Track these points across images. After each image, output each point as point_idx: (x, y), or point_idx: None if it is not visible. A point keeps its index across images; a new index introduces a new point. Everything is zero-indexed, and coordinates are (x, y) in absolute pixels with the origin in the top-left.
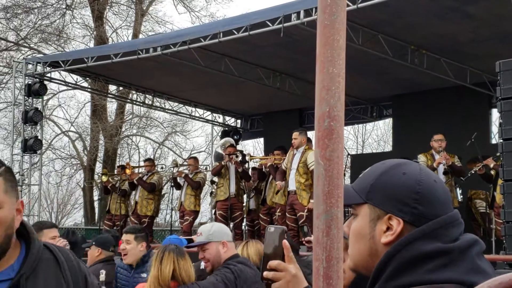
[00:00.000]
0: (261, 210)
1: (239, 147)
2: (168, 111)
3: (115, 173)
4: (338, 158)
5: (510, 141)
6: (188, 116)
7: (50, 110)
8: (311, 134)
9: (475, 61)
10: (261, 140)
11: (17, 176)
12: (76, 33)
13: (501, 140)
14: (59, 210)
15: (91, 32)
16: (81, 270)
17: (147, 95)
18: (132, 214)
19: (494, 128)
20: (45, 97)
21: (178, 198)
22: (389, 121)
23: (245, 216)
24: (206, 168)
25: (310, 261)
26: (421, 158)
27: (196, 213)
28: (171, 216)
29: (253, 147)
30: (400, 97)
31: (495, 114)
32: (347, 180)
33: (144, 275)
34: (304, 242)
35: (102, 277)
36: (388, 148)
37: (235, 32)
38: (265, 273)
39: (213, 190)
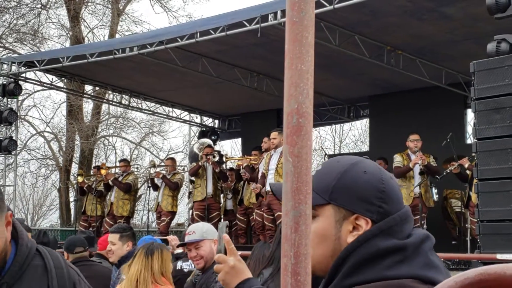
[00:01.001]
0: (238, 211)
1: (216, 148)
2: (145, 111)
3: (91, 173)
4: (307, 155)
5: (484, 140)
6: (165, 116)
7: (25, 110)
8: None
9: (451, 61)
10: (239, 140)
11: None
12: (51, 33)
13: (476, 140)
14: (35, 211)
15: (67, 32)
16: (70, 278)
17: (123, 95)
18: (108, 215)
19: (469, 128)
20: (20, 97)
21: (155, 198)
22: (366, 121)
23: (222, 216)
24: (183, 169)
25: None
26: (397, 158)
27: (173, 214)
28: (148, 217)
29: (231, 147)
30: (377, 97)
31: (470, 114)
32: None
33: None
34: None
35: None
36: (365, 148)
37: (212, 32)
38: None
39: (191, 191)
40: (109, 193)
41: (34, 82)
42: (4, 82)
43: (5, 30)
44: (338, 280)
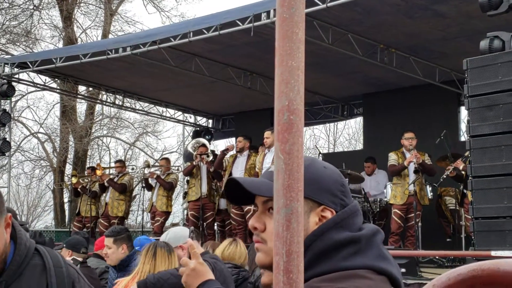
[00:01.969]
0: (232, 209)
1: (211, 147)
2: (139, 111)
3: (85, 174)
4: (298, 152)
5: (478, 138)
6: (159, 116)
7: (19, 111)
8: None
9: (444, 59)
10: (233, 140)
11: None
12: (44, 33)
13: (469, 137)
14: (29, 212)
15: (60, 33)
16: (69, 276)
17: (117, 96)
18: (102, 215)
19: (463, 126)
20: (13, 99)
21: (149, 199)
22: (360, 120)
23: (216, 216)
24: (178, 169)
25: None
26: (392, 156)
27: (167, 214)
28: (143, 217)
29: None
30: (371, 95)
31: (463, 111)
32: None
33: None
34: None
35: None
36: (360, 146)
37: (205, 32)
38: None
39: (187, 191)
40: (104, 193)
41: (27, 83)
42: None
43: None
44: None
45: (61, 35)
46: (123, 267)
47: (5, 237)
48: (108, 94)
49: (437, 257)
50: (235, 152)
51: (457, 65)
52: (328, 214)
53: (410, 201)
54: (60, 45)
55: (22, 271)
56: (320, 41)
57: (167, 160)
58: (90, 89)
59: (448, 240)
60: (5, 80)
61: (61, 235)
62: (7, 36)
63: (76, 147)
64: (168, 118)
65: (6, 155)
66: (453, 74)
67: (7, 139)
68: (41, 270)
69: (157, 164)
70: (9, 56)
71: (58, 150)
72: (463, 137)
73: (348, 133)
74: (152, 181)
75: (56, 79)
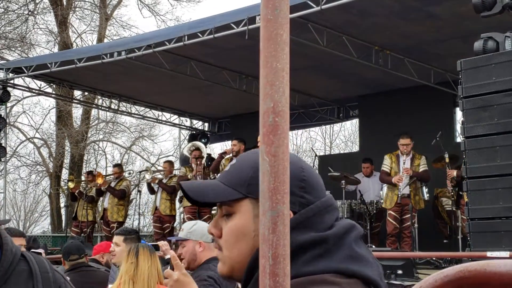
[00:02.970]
0: None
1: (207, 151)
2: (135, 115)
3: (82, 179)
4: (284, 154)
5: (473, 138)
6: (155, 120)
7: (15, 117)
8: None
9: (439, 60)
10: (229, 143)
11: None
12: (39, 38)
13: (464, 138)
14: (27, 218)
15: (55, 38)
16: (56, 282)
17: (112, 100)
18: (102, 220)
19: (459, 127)
20: (9, 104)
21: (147, 202)
22: (356, 122)
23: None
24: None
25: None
26: (386, 160)
27: (173, 217)
28: (139, 221)
29: (221, 150)
30: (366, 97)
31: (459, 112)
32: None
33: None
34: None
35: None
36: (356, 148)
37: (200, 35)
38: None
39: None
40: (102, 198)
41: (23, 88)
42: None
43: None
44: (254, 281)
45: (56, 40)
46: None
47: None
48: (103, 98)
49: (434, 259)
50: (231, 156)
51: (452, 67)
52: None
53: (404, 202)
54: (56, 50)
55: (8, 277)
56: (315, 44)
57: (170, 163)
58: (86, 93)
59: (445, 241)
60: (0, 86)
61: (58, 240)
62: (2, 41)
63: (72, 152)
64: (164, 122)
65: (2, 160)
66: (448, 76)
67: (3, 145)
68: (28, 275)
69: (160, 167)
70: (4, 62)
71: (54, 155)
72: (459, 138)
73: (344, 135)
74: (154, 185)
75: (52, 84)
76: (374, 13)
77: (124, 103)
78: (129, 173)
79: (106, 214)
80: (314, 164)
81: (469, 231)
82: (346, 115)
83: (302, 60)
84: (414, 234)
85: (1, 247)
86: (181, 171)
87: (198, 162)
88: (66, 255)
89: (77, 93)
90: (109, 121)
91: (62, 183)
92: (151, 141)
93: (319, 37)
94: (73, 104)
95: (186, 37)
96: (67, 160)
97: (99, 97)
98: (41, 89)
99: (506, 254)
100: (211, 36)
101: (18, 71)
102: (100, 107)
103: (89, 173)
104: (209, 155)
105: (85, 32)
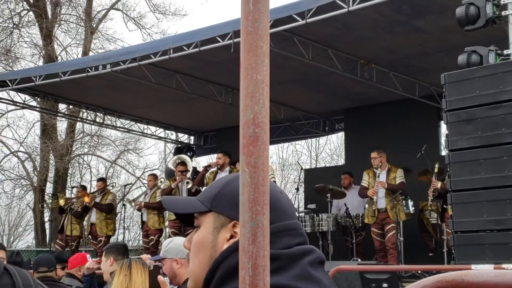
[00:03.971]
0: None
1: (193, 164)
2: (120, 129)
3: (73, 196)
4: (263, 165)
5: (457, 151)
6: (140, 133)
7: None
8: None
9: (424, 74)
10: (215, 156)
11: None
12: (24, 52)
13: (448, 151)
14: (11, 232)
15: (40, 51)
16: None
17: (97, 113)
18: (90, 235)
19: (443, 140)
20: None
21: (138, 216)
22: (341, 135)
23: None
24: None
25: None
26: (364, 176)
27: (160, 231)
28: (124, 234)
29: (207, 163)
30: (352, 110)
31: (444, 126)
32: (301, 195)
33: None
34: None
35: None
36: (341, 161)
37: (186, 48)
38: None
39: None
40: (88, 214)
41: (7, 101)
42: None
43: None
44: None
45: (41, 53)
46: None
47: None
48: (88, 112)
49: (419, 272)
50: (216, 169)
51: (437, 80)
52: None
53: (381, 217)
54: (40, 63)
55: None
56: (300, 57)
57: (155, 176)
58: (71, 107)
59: (430, 254)
60: None
61: None
62: None
63: (56, 166)
64: (149, 135)
65: None
66: (433, 89)
67: None
68: None
69: (144, 181)
70: None
71: (38, 169)
72: (444, 151)
73: (330, 148)
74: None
75: (36, 98)
76: (359, 27)
77: (109, 117)
78: (112, 186)
79: (94, 229)
80: (300, 177)
81: (453, 244)
82: (332, 128)
83: (287, 73)
84: (399, 248)
85: None
86: (164, 183)
87: (183, 176)
88: (35, 266)
89: (62, 107)
90: (94, 134)
91: (46, 197)
92: (136, 155)
93: (304, 51)
94: (58, 118)
95: (171, 50)
96: (51, 174)
97: (84, 110)
98: (26, 102)
99: (490, 266)
100: (197, 49)
101: (2, 84)
102: (85, 121)
103: (83, 187)
104: (194, 168)
105: (70, 46)
